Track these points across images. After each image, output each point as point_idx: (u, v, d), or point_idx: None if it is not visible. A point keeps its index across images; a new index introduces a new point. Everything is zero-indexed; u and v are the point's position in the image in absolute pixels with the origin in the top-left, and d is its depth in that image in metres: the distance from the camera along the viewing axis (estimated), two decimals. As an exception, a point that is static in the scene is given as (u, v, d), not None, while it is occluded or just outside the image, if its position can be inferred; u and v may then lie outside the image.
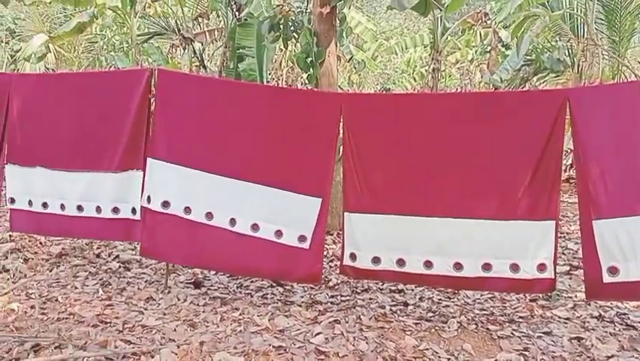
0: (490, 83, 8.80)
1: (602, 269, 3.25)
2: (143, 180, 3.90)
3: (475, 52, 12.12)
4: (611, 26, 9.03)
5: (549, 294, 3.93)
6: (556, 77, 9.51)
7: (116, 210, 4.02)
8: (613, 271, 3.24)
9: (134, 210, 3.98)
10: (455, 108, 3.59)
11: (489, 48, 9.97)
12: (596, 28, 8.86)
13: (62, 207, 4.13)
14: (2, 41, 15.16)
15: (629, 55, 10.81)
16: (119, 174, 3.97)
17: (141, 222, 3.93)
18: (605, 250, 3.24)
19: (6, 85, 4.26)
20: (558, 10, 8.50)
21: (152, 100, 3.92)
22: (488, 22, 9.75)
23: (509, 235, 3.36)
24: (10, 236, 5.17)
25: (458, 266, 3.42)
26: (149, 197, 3.86)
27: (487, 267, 3.39)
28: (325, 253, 4.94)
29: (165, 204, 3.84)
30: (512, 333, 3.44)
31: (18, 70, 11.98)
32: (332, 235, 5.65)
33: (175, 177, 3.81)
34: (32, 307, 3.53)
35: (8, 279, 4.16)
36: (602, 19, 9.07)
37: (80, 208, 4.09)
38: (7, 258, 4.68)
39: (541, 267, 3.34)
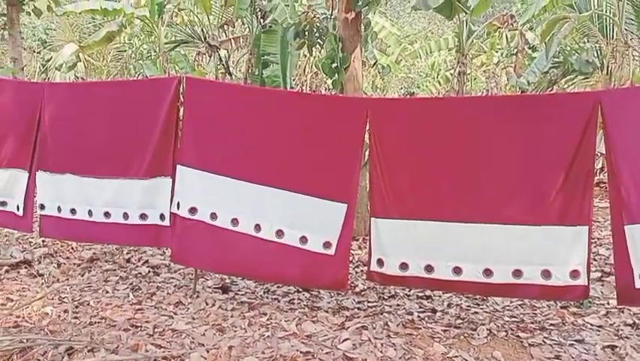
0: (517, 86, 8.68)
1: (634, 274, 3.17)
2: (172, 187, 3.96)
3: (501, 54, 11.98)
4: (642, 26, 8.82)
5: (581, 301, 3.85)
6: (584, 79, 9.33)
7: (143, 216, 4.08)
8: (646, 276, 3.15)
9: (162, 217, 4.04)
10: (483, 112, 3.55)
11: (515, 51, 9.85)
12: (626, 29, 8.67)
13: (90, 213, 4.20)
14: (34, 51, 15.60)
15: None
16: (148, 181, 4.03)
17: (171, 228, 3.99)
18: (637, 255, 3.16)
19: (38, 94, 4.37)
20: (586, 12, 8.36)
21: (180, 107, 3.98)
22: (514, 24, 9.63)
23: (541, 240, 3.29)
24: (43, 241, 5.30)
25: (488, 272, 3.38)
26: (178, 203, 3.93)
27: (517, 273, 3.33)
28: (351, 258, 4.94)
29: (193, 210, 3.89)
30: (543, 341, 3.38)
31: (49, 79, 12.31)
32: (357, 240, 5.65)
33: (202, 183, 3.86)
34: (65, 311, 3.62)
35: (42, 283, 4.27)
36: (632, 20, 8.87)
37: (107, 215, 4.16)
38: (40, 263, 4.81)
39: (574, 273, 3.27)
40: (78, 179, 4.23)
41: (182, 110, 3.99)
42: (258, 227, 3.77)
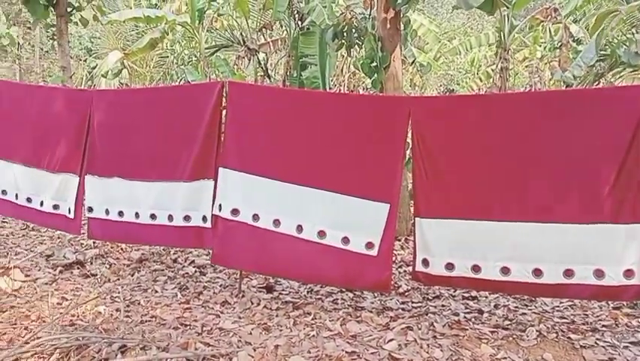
0: (562, 80, 8.41)
1: None
2: (215, 189, 4.03)
3: (544, 48, 11.64)
4: (696, 15, 8.43)
5: (635, 302, 3.71)
6: (633, 71, 8.96)
7: (187, 218, 4.16)
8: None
9: (204, 218, 4.11)
10: (529, 108, 3.46)
11: (559, 44, 9.55)
12: (678, 18, 8.30)
13: (137, 215, 4.33)
14: (80, 59, 16.19)
15: None
16: (191, 184, 4.11)
17: (212, 230, 4.05)
18: None
19: (87, 101, 4.54)
20: (635, 2, 8.03)
21: (222, 111, 4.05)
22: (558, 17, 9.35)
23: (593, 239, 3.19)
24: (93, 243, 5.49)
25: (538, 272, 3.29)
26: (220, 205, 3.99)
27: (569, 273, 3.23)
28: (393, 258, 4.92)
29: (235, 211, 3.95)
30: (596, 343, 3.28)
31: (94, 86, 12.73)
32: (400, 240, 5.61)
33: (244, 184, 3.92)
34: (117, 310, 3.74)
35: (94, 283, 4.43)
36: (685, 8, 8.47)
37: (153, 217, 4.27)
38: (92, 263, 4.98)
39: (628, 273, 3.15)
40: (125, 182, 4.36)
41: (224, 113, 4.06)
42: (299, 228, 3.79)
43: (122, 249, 5.42)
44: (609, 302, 3.82)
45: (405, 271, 4.82)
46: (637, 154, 3.16)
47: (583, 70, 8.10)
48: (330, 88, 8.87)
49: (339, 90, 10.94)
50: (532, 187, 3.34)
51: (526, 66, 13.60)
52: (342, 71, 11.51)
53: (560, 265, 3.24)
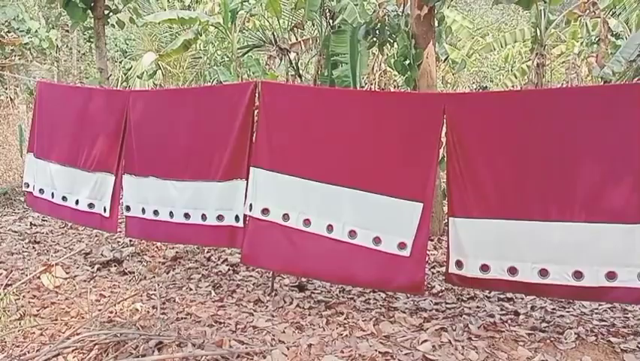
0: (601, 76, 8.16)
1: None
2: (247, 189, 4.05)
3: (582, 44, 11.31)
4: None
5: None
6: (678, 66, 8.61)
7: (220, 217, 4.20)
8: None
9: (237, 218, 4.14)
10: (566, 104, 3.36)
11: (597, 39, 9.26)
12: None
13: (171, 214, 4.39)
14: (115, 61, 16.56)
15: None
16: (224, 183, 4.15)
17: (243, 229, 4.07)
18: None
19: (124, 101, 4.64)
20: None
21: (255, 111, 4.08)
22: (597, 11, 9.06)
23: (636, 240, 3.07)
24: (129, 241, 5.62)
25: (578, 275, 3.19)
26: (250, 205, 4.01)
27: (611, 275, 3.12)
28: (426, 259, 4.86)
29: (265, 211, 3.96)
30: (638, 346, 3.19)
31: (129, 87, 12.99)
32: (432, 240, 5.55)
33: (274, 184, 3.92)
34: (154, 307, 3.81)
35: (131, 280, 4.53)
36: None
37: (187, 216, 4.33)
38: (128, 261, 5.10)
39: (674, 276, 3.03)
40: (160, 182, 4.43)
41: (256, 113, 4.09)
42: (330, 227, 3.77)
43: (157, 247, 5.53)
44: (652, 305, 3.68)
45: (438, 271, 4.77)
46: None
47: (622, 65, 7.83)
48: (361, 86, 8.84)
49: (370, 88, 10.88)
50: (571, 186, 3.23)
51: (563, 62, 13.23)
52: (372, 69, 11.43)
53: (602, 267, 3.13)
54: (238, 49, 10.13)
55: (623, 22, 10.02)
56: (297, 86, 6.03)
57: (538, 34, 8.65)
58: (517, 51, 14.11)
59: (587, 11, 9.09)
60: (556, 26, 10.34)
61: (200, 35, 10.48)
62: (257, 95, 4.04)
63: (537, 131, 3.34)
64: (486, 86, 15.53)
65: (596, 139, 3.22)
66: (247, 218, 4.06)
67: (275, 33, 9.84)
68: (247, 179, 4.04)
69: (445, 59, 9.22)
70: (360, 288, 4.26)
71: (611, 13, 10.08)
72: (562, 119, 3.30)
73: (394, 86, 11.95)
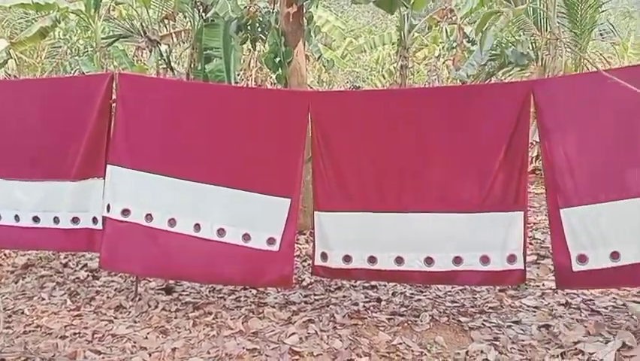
0: (457, 78, 8.90)
1: (571, 258, 3.28)
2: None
3: (442, 48, 12.25)
4: (573, 20, 9.24)
5: (518, 284, 3.99)
6: (520, 70, 9.68)
7: (75, 220, 3.89)
8: (582, 259, 3.27)
9: (94, 220, 3.86)
10: (422, 103, 3.60)
11: (455, 44, 10.09)
12: (559, 22, 9.05)
13: (17, 218, 3.98)
14: (-39, 48, 14.68)
15: (591, 47, 11.08)
16: (79, 183, 3.85)
17: (101, 232, 3.82)
18: (573, 239, 3.27)
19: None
20: (522, 5, 8.67)
21: (113, 105, 3.83)
22: (454, 18, 9.86)
23: (479, 227, 3.38)
24: (-28, 249, 5.02)
25: (429, 261, 3.44)
26: (108, 205, 3.76)
27: (458, 260, 3.41)
28: (298, 253, 4.96)
29: (125, 212, 3.73)
30: (483, 324, 3.50)
31: (-23, 77, 11.60)
32: (305, 234, 5.65)
33: (135, 183, 3.71)
34: (-3, 321, 3.44)
35: (-29, 293, 4.04)
36: (563, 13, 9.28)
37: (35, 219, 3.94)
38: (-30, 271, 4.55)
39: (511, 258, 3.38)
40: (3, 183, 4.01)
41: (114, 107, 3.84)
42: (197, 226, 3.67)
43: (5, 255, 5.00)
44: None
45: (308, 264, 4.85)
46: (518, 146, 3.40)
47: (475, 69, 8.61)
48: (236, 82, 8.73)
49: (246, 85, 10.81)
50: (424, 179, 3.48)
51: (426, 65, 14.24)
52: (249, 65, 11.36)
53: (450, 253, 3.41)
54: (103, 39, 9.46)
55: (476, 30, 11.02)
56: (157, 79, 5.76)
57: (402, 37, 9.20)
58: (387, 53, 14.91)
59: (446, 17, 9.86)
60: (421, 31, 11.09)
61: (59, 23, 9.63)
62: (114, 87, 3.80)
63: (393, 128, 3.54)
64: (358, 86, 16.19)
65: (445, 136, 3.49)
66: (104, 220, 3.79)
67: (144, 23, 9.35)
68: (105, 178, 3.78)
69: (319, 58, 9.44)
70: (231, 286, 4.20)
71: (468, 20, 11.03)
72: (415, 118, 3.53)
73: (271, 83, 11.99)
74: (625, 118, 3.28)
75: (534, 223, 6.00)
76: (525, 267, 3.43)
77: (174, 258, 3.69)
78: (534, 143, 6.34)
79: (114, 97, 3.82)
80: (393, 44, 12.54)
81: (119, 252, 3.77)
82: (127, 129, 3.75)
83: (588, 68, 8.89)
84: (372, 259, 3.50)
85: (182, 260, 3.69)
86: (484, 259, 3.41)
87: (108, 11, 9.94)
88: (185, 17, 9.78)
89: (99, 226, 3.83)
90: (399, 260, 3.46)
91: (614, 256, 3.23)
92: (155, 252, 3.69)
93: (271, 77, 12.18)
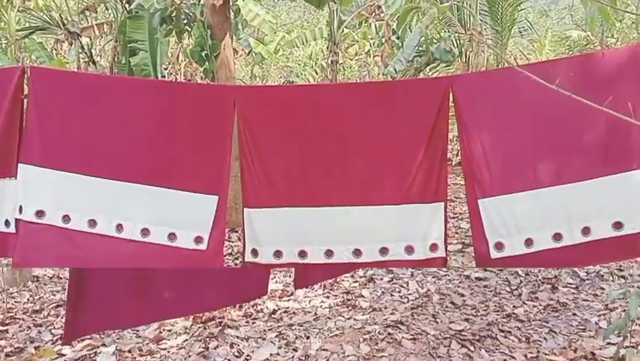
0: (387, 74, 9.09)
1: (489, 246, 3.41)
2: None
3: (372, 44, 12.47)
4: (494, 17, 9.67)
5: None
6: (446, 66, 10.02)
7: None
8: (499, 247, 3.39)
9: (7, 223, 3.58)
10: (346, 98, 3.59)
11: (383, 40, 10.29)
12: (481, 19, 9.44)
13: None
14: None
15: (511, 44, 11.65)
16: None
17: (15, 235, 3.56)
18: (490, 227, 3.39)
19: None
20: (447, 2, 8.97)
21: (24, 100, 3.59)
22: (381, 14, 10.05)
23: (403, 218, 3.45)
24: None
25: (357, 253, 3.47)
26: (20, 207, 3.51)
27: (384, 251, 3.45)
28: (230, 250, 4.89)
29: (39, 213, 3.49)
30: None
31: None
32: (237, 232, 5.58)
33: (50, 182, 3.49)
34: None
35: None
36: (485, 11, 9.68)
37: None
38: None
39: (433, 247, 3.45)
40: None
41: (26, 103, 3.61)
42: (119, 227, 3.49)
43: None
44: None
45: (240, 261, 4.79)
46: (438, 140, 3.49)
47: (403, 64, 8.82)
48: (162, 76, 8.47)
49: (175, 78, 10.51)
50: (350, 173, 3.49)
51: (357, 60, 14.44)
52: (177, 58, 11.06)
53: (376, 244, 3.45)
54: (17, 30, 8.89)
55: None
56: (74, 73, 5.44)
57: (332, 32, 9.27)
58: (319, 49, 14.98)
59: (374, 14, 10.02)
60: (352, 27, 11.21)
61: (-33, 12, 8.95)
62: (25, 81, 3.56)
63: (320, 124, 3.51)
64: (292, 81, 16.17)
65: (371, 131, 3.48)
66: (17, 222, 3.54)
67: (63, 15, 8.87)
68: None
69: (249, 52, 9.34)
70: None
71: (395, 17, 11.29)
72: (341, 112, 3.52)
73: (200, 77, 11.73)
74: (538, 112, 3.44)
75: (460, 213, 6.23)
76: (446, 255, 3.53)
77: (94, 260, 3.50)
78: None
79: (26, 92, 3.57)
80: (325, 40, 12.62)
81: (33, 255, 3.52)
82: (40, 126, 3.50)
83: (509, 64, 9.33)
84: (302, 254, 3.49)
85: (104, 262, 3.51)
86: (409, 249, 3.48)
87: (23, 2, 9.34)
88: (107, 9, 9.38)
89: (12, 229, 3.53)
90: (329, 253, 3.47)
91: (528, 242, 3.39)
92: (74, 254, 3.48)
93: (200, 71, 11.93)
